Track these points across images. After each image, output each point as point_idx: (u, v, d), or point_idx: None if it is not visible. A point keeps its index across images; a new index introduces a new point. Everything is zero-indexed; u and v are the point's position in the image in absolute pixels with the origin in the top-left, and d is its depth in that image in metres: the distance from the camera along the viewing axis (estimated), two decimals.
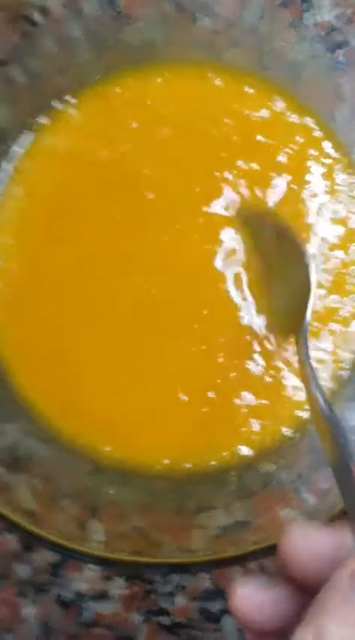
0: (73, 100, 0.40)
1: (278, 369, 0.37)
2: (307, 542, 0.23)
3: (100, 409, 0.36)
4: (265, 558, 0.36)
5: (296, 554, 0.23)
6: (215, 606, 0.37)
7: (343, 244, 0.38)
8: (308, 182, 0.38)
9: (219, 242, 0.38)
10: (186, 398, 0.36)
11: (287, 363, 0.37)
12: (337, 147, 0.39)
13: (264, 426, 0.36)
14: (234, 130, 0.39)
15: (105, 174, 0.39)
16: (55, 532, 0.32)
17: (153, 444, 0.36)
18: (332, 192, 0.39)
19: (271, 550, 0.31)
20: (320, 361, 0.38)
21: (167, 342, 0.37)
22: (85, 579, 0.38)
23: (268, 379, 0.37)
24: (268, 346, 0.37)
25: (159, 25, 0.40)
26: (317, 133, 0.39)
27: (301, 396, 0.37)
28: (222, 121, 0.39)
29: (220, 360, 0.37)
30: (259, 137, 0.39)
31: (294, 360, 0.37)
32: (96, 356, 0.37)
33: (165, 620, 0.37)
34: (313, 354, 0.37)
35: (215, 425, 0.36)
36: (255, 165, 0.38)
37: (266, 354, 0.37)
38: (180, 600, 0.38)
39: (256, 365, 0.37)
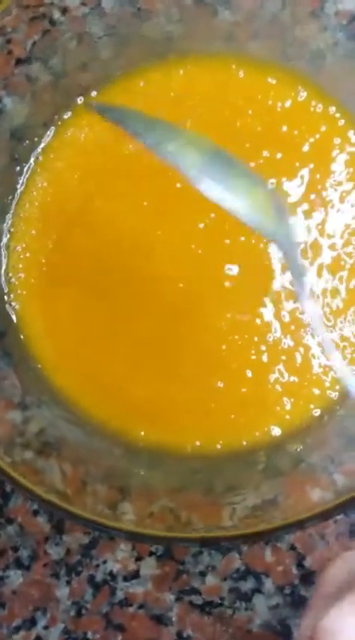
0: (97, 95, 0.40)
1: (307, 347, 0.38)
2: None
3: (134, 394, 0.37)
4: (294, 534, 0.37)
5: None
6: (246, 585, 0.38)
7: None
8: (332, 170, 0.39)
9: (251, 232, 0.38)
10: (221, 382, 0.37)
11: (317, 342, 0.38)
12: None
13: (294, 405, 0.37)
14: (258, 121, 0.39)
15: (131, 165, 0.39)
16: (88, 512, 0.32)
17: (187, 426, 0.37)
18: None
19: (300, 527, 0.31)
20: (351, 344, 0.38)
21: (198, 329, 0.37)
22: (116, 560, 0.39)
23: (298, 357, 0.37)
24: (298, 322, 0.37)
25: (179, 19, 0.40)
26: (341, 122, 0.39)
27: (330, 375, 0.37)
28: (246, 112, 0.39)
29: (255, 339, 0.37)
30: (283, 127, 0.39)
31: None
32: (129, 341, 0.38)
33: (196, 599, 0.38)
34: (342, 334, 0.38)
35: (251, 404, 0.37)
36: (279, 156, 0.39)
37: (295, 331, 0.38)
38: (211, 580, 0.38)
39: (287, 342, 0.38)
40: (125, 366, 0.37)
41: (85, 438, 0.37)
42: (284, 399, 0.37)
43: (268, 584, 0.38)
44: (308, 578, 0.38)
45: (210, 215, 0.38)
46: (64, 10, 0.39)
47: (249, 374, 0.37)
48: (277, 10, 0.39)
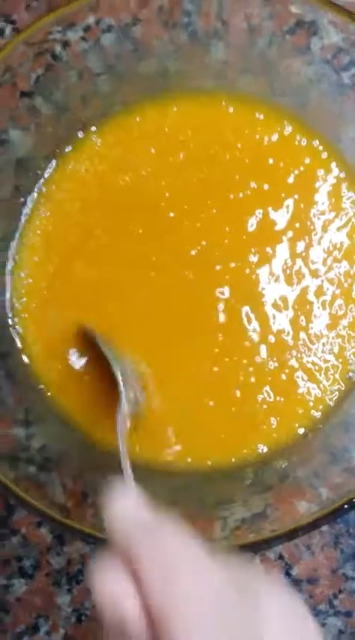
0: (96, 130, 0.43)
1: (292, 369, 0.40)
2: None
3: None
4: (281, 545, 0.39)
5: None
6: None
7: (348, 256, 0.41)
8: (315, 201, 0.41)
9: (240, 259, 0.41)
10: (212, 402, 0.39)
11: (301, 363, 0.40)
12: (343, 167, 0.41)
13: (279, 424, 0.39)
14: (246, 154, 0.41)
15: (128, 196, 0.41)
16: (87, 524, 0.34)
17: (180, 444, 0.38)
18: (338, 209, 0.41)
19: (288, 537, 0.33)
20: (333, 366, 0.40)
21: (191, 351, 0.39)
22: None
23: (284, 378, 0.39)
24: (284, 345, 0.39)
25: (174, 56, 0.42)
26: (324, 154, 0.41)
27: (313, 395, 0.39)
28: (235, 146, 0.41)
29: (244, 361, 0.39)
30: (270, 160, 0.41)
31: (308, 359, 0.40)
32: None
33: None
34: (325, 356, 0.40)
35: (239, 423, 0.38)
36: (266, 187, 0.41)
37: (281, 353, 0.40)
38: None
39: (273, 364, 0.39)
40: None
41: (83, 455, 0.38)
42: (271, 418, 0.39)
43: None
44: (296, 586, 0.40)
45: (202, 242, 0.40)
46: (65, 44, 0.40)
47: (238, 394, 0.39)
48: (265, 48, 0.41)
